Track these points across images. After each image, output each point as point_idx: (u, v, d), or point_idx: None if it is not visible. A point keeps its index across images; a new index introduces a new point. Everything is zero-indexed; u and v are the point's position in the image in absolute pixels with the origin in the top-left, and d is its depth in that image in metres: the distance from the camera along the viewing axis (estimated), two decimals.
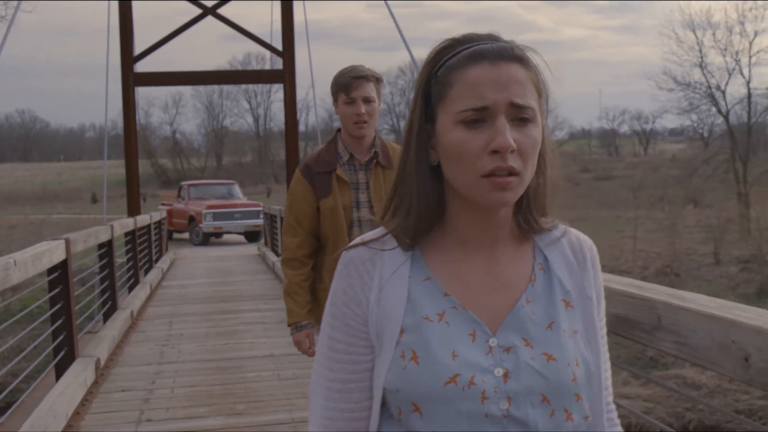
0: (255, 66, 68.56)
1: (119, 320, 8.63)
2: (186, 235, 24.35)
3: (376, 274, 1.30)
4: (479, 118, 1.21)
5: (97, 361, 6.68)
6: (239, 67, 70.39)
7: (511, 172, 1.20)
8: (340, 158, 3.47)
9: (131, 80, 17.45)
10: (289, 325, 3.52)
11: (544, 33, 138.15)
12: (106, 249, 9.26)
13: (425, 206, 1.29)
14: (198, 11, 18.06)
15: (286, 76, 17.88)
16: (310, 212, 3.44)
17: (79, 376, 5.99)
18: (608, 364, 1.38)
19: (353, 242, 1.34)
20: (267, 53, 17.57)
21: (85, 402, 5.94)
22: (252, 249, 20.06)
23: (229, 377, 6.66)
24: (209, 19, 18.23)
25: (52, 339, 6.32)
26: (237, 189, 26.42)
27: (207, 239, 23.19)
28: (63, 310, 6.34)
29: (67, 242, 6.45)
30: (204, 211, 22.95)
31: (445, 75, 1.25)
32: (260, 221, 21.98)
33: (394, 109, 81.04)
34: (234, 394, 6.10)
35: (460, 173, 1.23)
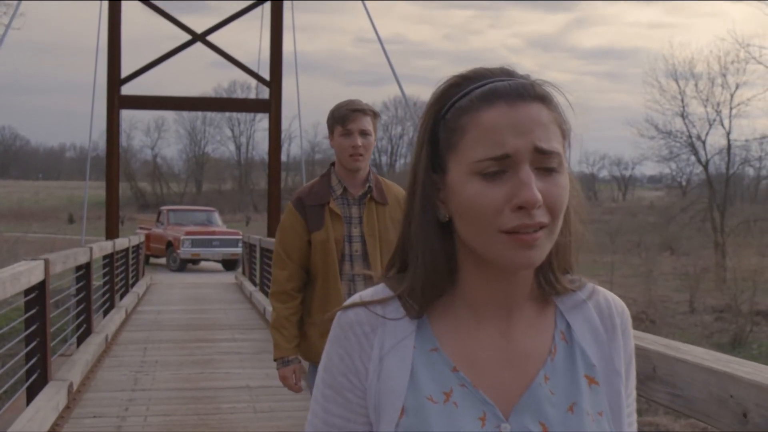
0: (240, 94, 68.81)
1: (93, 344, 8.50)
2: (163, 260, 24.18)
3: (376, 341, 1.13)
4: (499, 169, 1.04)
5: (70, 385, 6.56)
6: (224, 95, 70.66)
7: (537, 229, 1.04)
8: (333, 192, 3.45)
9: (117, 102, 17.39)
10: (275, 360, 3.47)
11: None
12: (84, 271, 9.16)
13: (433, 268, 1.13)
14: (187, 37, 18.06)
15: (272, 106, 17.89)
16: (300, 245, 3.41)
17: (51, 399, 5.89)
18: None
19: (350, 301, 1.18)
20: (252, 82, 17.74)
21: (55, 427, 5.84)
22: (229, 277, 19.94)
23: (203, 407, 6.57)
24: (198, 44, 18.24)
25: (25, 361, 6.22)
26: (216, 216, 26.32)
27: (184, 265, 23.04)
28: (38, 332, 6.24)
29: (46, 263, 6.37)
30: (182, 237, 22.81)
31: (456, 119, 1.08)
32: (238, 250, 21.87)
33: (376, 144, 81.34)
34: (208, 425, 6.02)
35: (476, 230, 1.07)
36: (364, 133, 3.41)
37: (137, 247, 16.82)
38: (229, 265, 23.16)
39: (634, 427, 1.20)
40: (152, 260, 24.48)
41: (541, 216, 1.04)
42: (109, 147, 17.77)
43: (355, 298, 1.18)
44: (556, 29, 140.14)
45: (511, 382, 1.11)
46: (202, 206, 34.59)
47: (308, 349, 3.43)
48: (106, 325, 9.96)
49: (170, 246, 23.32)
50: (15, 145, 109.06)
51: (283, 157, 76.69)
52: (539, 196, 1.03)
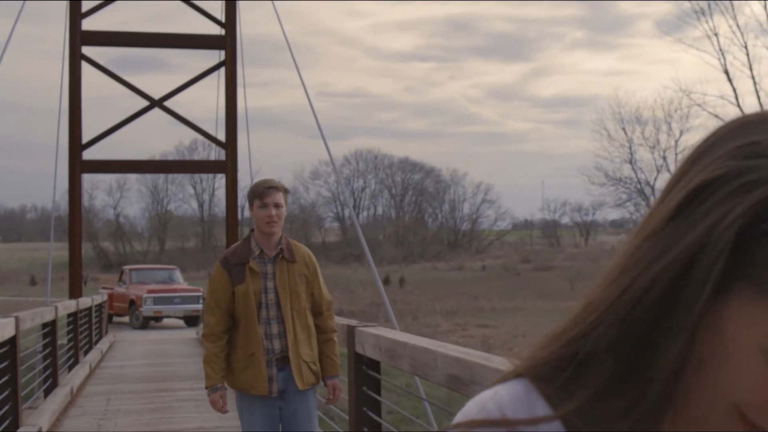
0: (202, 151, 69.83)
1: (60, 395, 9.29)
2: (126, 319, 24.80)
3: None
4: None
5: (39, 430, 7.36)
6: (185, 152, 71.80)
7: None
8: (252, 253, 4.36)
9: (78, 167, 18.23)
10: (206, 388, 4.36)
11: (490, 125, 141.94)
12: (50, 328, 9.96)
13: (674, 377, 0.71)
14: (145, 103, 19.01)
15: (227, 166, 18.84)
16: (226, 296, 4.31)
17: None
18: None
19: (468, 416, 0.75)
20: (215, 130, 18.65)
21: None
22: (190, 333, 20.63)
23: (165, 417, 7.39)
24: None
25: None
26: (178, 274, 27.03)
27: (146, 323, 23.68)
28: (10, 383, 7.02)
29: (17, 320, 7.20)
30: (144, 296, 23.49)
31: None
32: (200, 306, 22.59)
33: (339, 197, 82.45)
34: None
35: (749, 406, 0.69)
36: (277, 206, 4.34)
37: (100, 306, 17.54)
38: (190, 321, 23.81)
39: None
40: (115, 319, 25.08)
41: None
42: (71, 210, 18.56)
43: (478, 408, 0.76)
44: (515, 79, 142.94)
45: None
46: (164, 264, 35.26)
47: (233, 380, 4.33)
48: (71, 379, 10.73)
49: (133, 304, 23.97)
50: None
51: (246, 213, 77.80)
52: None
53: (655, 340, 0.72)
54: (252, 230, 4.46)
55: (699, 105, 37.23)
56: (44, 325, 9.88)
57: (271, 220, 4.32)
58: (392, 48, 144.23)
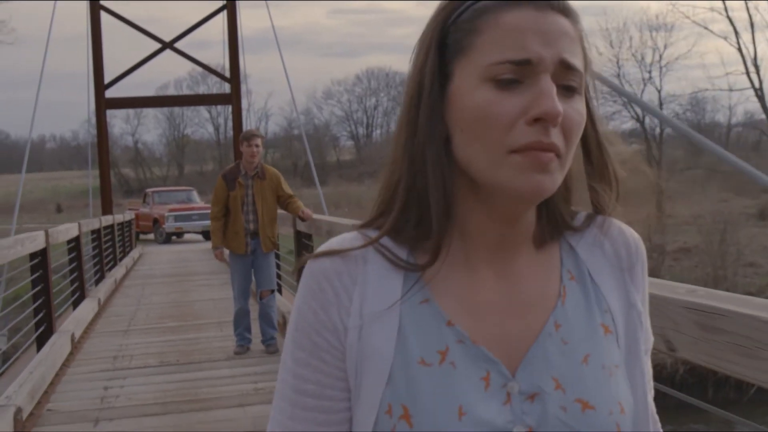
0: (213, 78, 72.87)
1: (107, 283, 12.85)
2: (151, 236, 28.36)
3: (356, 293, 0.97)
4: (515, 78, 0.90)
5: (98, 300, 10.88)
6: (198, 78, 74.86)
7: (551, 151, 0.90)
8: (240, 172, 7.61)
9: (103, 104, 21.58)
10: (213, 248, 7.73)
11: None
12: (98, 234, 13.46)
13: (443, 195, 0.96)
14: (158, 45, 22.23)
15: (233, 99, 22.16)
16: (223, 196, 7.59)
17: (54, 347, 7.50)
18: (652, 395, 1.06)
19: (324, 248, 1.01)
20: (226, 65, 21.79)
21: (63, 366, 7.71)
22: (207, 245, 24.14)
23: (183, 310, 10.92)
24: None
25: (33, 315, 8.10)
26: (195, 194, 30.51)
27: (169, 238, 27.21)
28: (42, 293, 8.15)
29: (46, 233, 9.56)
30: (167, 214, 26.98)
31: (472, 20, 0.93)
32: None
33: (352, 116, 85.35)
34: (190, 315, 10.35)
35: (482, 148, 0.91)
36: (257, 146, 7.57)
37: (129, 222, 21.09)
38: (207, 235, 27.24)
39: (650, 383, 1.05)
40: (141, 236, 28.66)
41: (556, 137, 0.90)
42: (99, 141, 21.98)
43: (327, 245, 1.02)
44: None
45: (516, 332, 0.97)
46: (183, 186, 38.84)
47: (227, 244, 7.64)
48: (113, 274, 14.30)
49: (156, 222, 27.49)
50: None
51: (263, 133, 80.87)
52: (561, 107, 0.89)
53: (421, 167, 0.96)
54: (240, 160, 7.73)
55: (688, 17, 39.57)
56: (93, 231, 13.37)
57: (253, 154, 7.58)
58: None
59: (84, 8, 21.73)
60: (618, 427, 0.95)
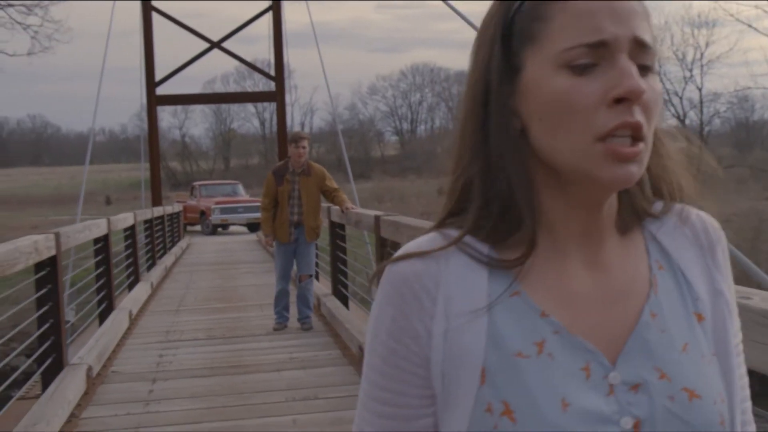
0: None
1: (158, 269, 13.93)
2: (198, 228, 29.58)
3: (440, 295, 0.95)
4: (591, 62, 0.90)
5: (152, 284, 11.94)
6: (245, 73, 76.31)
7: (636, 134, 0.89)
8: (288, 169, 8.59)
9: (154, 101, 22.76)
10: (264, 235, 8.71)
11: None
12: (150, 224, 14.54)
13: (523, 189, 0.96)
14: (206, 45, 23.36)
15: (277, 96, 23.23)
16: (273, 191, 8.56)
17: (115, 321, 10.01)
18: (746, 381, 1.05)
19: (401, 252, 1.00)
20: (271, 60, 22.99)
21: (123, 338, 9.58)
22: (251, 237, 25.26)
23: (227, 294, 11.95)
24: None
25: (96, 294, 9.19)
26: (240, 188, 31.69)
27: (215, 229, 28.39)
28: (104, 274, 9.27)
29: (108, 221, 11.49)
30: (213, 206, 28.17)
31: (538, 6, 0.93)
32: (259, 214, 27.13)
33: (396, 111, 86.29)
34: (234, 297, 11.37)
35: (566, 138, 0.91)
36: (303, 147, 8.53)
37: (178, 214, 22.26)
38: (252, 227, 28.40)
39: (743, 369, 1.04)
40: (189, 228, 29.87)
41: (639, 116, 0.90)
42: (150, 137, 23.18)
43: (404, 249, 1.01)
44: None
45: (611, 322, 0.96)
46: (229, 180, 40.11)
47: (275, 232, 8.61)
48: (163, 261, 15.40)
49: (203, 214, 28.68)
50: (46, 133, 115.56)
51: (307, 129, 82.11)
52: (644, 84, 0.89)
53: (507, 155, 0.95)
54: (289, 157, 8.67)
55: (732, 15, 39.86)
56: (146, 221, 14.46)
57: (300, 155, 8.54)
58: None
59: (132, 6, 22.95)
60: (721, 416, 0.94)
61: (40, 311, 6.12)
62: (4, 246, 5.12)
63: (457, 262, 0.97)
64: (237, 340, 8.23)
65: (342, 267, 9.74)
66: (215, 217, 27.97)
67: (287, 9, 22.77)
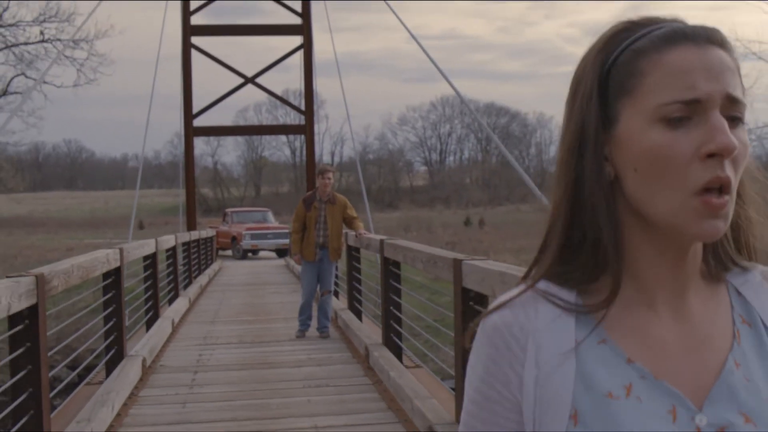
0: (292, 100, 76.60)
1: (195, 287, 15.54)
2: (229, 252, 31.23)
3: (530, 343, 1.02)
4: (685, 115, 0.95)
5: (190, 299, 13.50)
6: (278, 104, 78.31)
7: (725, 188, 0.95)
8: (315, 198, 10.14)
9: (191, 133, 24.53)
10: (293, 254, 10.25)
11: None
12: (187, 246, 16.14)
13: (614, 237, 1.01)
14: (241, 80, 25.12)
15: (307, 130, 24.98)
16: (302, 217, 10.10)
17: (160, 326, 12.65)
18: None
19: (494, 304, 1.08)
20: (301, 89, 24.84)
21: (167, 342, 12.55)
22: (280, 262, 26.84)
23: (257, 308, 13.47)
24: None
25: (144, 303, 10.71)
26: (270, 215, 33.40)
27: (245, 254, 30.03)
28: (152, 287, 10.80)
29: (157, 242, 13.16)
30: (244, 232, 29.85)
31: (633, 61, 0.99)
32: (288, 241, 28.68)
33: (426, 142, 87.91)
34: (262, 312, 12.90)
35: (660, 190, 0.96)
36: (329, 179, 10.07)
37: (211, 238, 23.92)
38: (281, 253, 29.98)
39: None
40: (220, 252, 31.53)
41: (729, 170, 0.95)
42: (186, 165, 24.96)
43: (496, 301, 1.09)
44: (613, 16, 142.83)
45: (696, 369, 1.01)
46: (259, 207, 41.89)
47: (303, 252, 10.13)
48: (199, 280, 17.01)
49: (234, 240, 30.35)
50: (81, 158, 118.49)
51: (337, 159, 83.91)
52: (735, 141, 0.95)
53: (602, 204, 1.00)
54: (317, 187, 10.19)
55: (754, 52, 41.11)
56: (184, 244, 16.06)
57: (326, 186, 10.06)
58: None
59: (166, 33, 24.75)
60: None
61: (106, 311, 7.69)
62: (88, 255, 6.72)
63: (545, 310, 1.03)
64: (264, 344, 9.75)
65: (357, 285, 11.25)
66: (246, 243, 29.62)
67: (321, 39, 24.61)
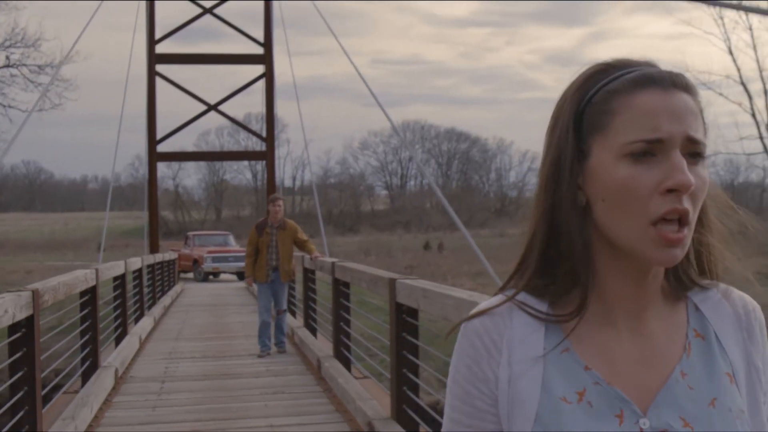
0: (254, 123, 77.47)
1: (158, 308, 16.34)
2: (191, 275, 31.92)
3: (504, 346, 1.16)
4: (649, 152, 1.08)
5: (153, 318, 14.31)
6: (240, 130, 79.08)
7: (683, 219, 1.07)
8: (267, 224, 11.04)
9: (155, 158, 25.37)
10: (246, 277, 11.15)
11: (548, 91, 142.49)
12: (139, 273, 16.96)
13: (584, 257, 1.14)
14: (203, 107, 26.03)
15: (267, 156, 25.91)
16: (255, 241, 10.99)
17: (129, 342, 13.52)
18: None
19: (474, 311, 1.21)
20: (263, 112, 25.84)
21: (135, 357, 13.48)
22: (240, 284, 27.59)
23: (219, 327, 14.31)
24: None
25: (114, 321, 11.75)
26: (231, 238, 34.19)
27: (207, 277, 30.76)
28: (121, 305, 11.81)
29: (126, 263, 13.95)
30: (205, 255, 30.59)
31: (606, 101, 1.12)
32: None
33: (387, 167, 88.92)
34: (224, 330, 13.75)
35: (623, 219, 1.09)
36: (279, 206, 10.98)
37: (174, 261, 24.67)
38: (241, 276, 30.63)
39: None
40: (182, 275, 32.21)
41: (687, 203, 1.07)
42: (149, 188, 25.78)
43: (476, 308, 1.21)
44: (573, 44, 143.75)
45: (646, 378, 1.14)
46: (220, 231, 42.66)
47: (255, 275, 11.00)
48: (163, 301, 17.80)
49: (196, 263, 31.08)
50: (39, 179, 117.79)
51: (298, 182, 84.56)
52: (693, 179, 1.06)
53: (575, 227, 1.13)
54: (268, 212, 11.07)
55: (704, 84, 42.64)
56: (135, 270, 16.88)
57: (276, 212, 10.96)
58: (449, 14, 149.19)
59: (126, 57, 25.62)
60: None
61: (83, 326, 8.54)
62: (70, 275, 7.62)
63: (519, 318, 1.17)
64: (226, 358, 10.64)
65: (312, 305, 12.17)
66: (207, 266, 30.36)
67: (285, 62, 25.66)
